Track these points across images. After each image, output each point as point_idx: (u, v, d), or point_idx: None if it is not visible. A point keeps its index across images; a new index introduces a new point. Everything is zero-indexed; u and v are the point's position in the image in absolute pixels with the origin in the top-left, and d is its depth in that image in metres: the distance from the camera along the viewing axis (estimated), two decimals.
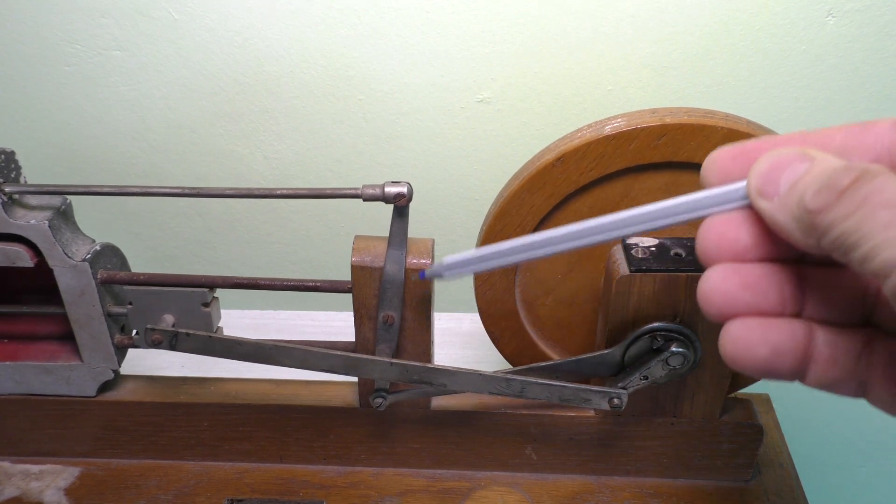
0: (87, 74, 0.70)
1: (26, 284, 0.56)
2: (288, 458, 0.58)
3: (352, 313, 0.51)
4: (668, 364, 0.49)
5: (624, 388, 0.50)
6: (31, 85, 0.71)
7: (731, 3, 0.64)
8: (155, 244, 0.81)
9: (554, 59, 0.68)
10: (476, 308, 0.55)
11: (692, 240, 0.49)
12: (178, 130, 0.73)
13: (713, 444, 0.55)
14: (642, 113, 0.48)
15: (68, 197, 0.52)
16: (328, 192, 0.47)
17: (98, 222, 0.78)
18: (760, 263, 0.29)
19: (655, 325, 0.49)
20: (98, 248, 0.52)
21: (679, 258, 0.48)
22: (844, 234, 0.25)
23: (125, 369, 0.57)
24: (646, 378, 0.49)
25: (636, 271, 0.47)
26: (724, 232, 0.30)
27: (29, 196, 0.51)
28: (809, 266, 0.30)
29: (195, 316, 0.52)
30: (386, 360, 0.49)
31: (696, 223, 0.31)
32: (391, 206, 0.47)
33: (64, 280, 0.51)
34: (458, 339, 0.75)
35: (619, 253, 0.49)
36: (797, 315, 0.30)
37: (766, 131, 0.49)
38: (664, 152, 0.48)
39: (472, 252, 0.34)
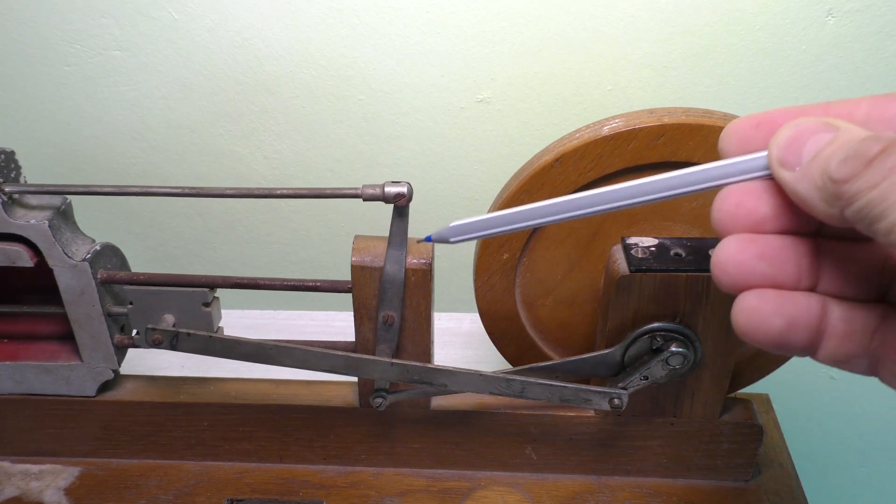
0: (87, 74, 0.70)
1: (26, 284, 0.56)
2: (288, 458, 0.58)
3: (352, 313, 0.51)
4: (667, 364, 0.49)
5: (624, 388, 0.50)
6: (31, 85, 0.71)
7: (731, 3, 0.64)
8: (155, 244, 0.81)
9: (554, 59, 0.68)
10: (476, 308, 0.55)
11: (692, 240, 0.49)
12: (178, 130, 0.73)
13: (713, 444, 0.55)
14: (640, 113, 0.48)
15: (68, 197, 0.52)
16: (328, 192, 0.47)
17: (98, 222, 0.78)
18: (777, 235, 0.29)
19: (655, 325, 0.49)
20: (98, 247, 0.52)
21: (679, 258, 0.48)
22: (870, 203, 0.25)
23: (125, 369, 0.57)
24: (646, 378, 0.49)
25: (636, 271, 0.47)
26: (742, 201, 0.29)
27: (29, 196, 0.51)
28: (826, 239, 0.30)
29: (196, 316, 0.52)
30: (387, 360, 0.49)
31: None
32: (391, 206, 0.47)
33: (64, 280, 0.51)
34: (458, 339, 0.75)
35: (619, 253, 0.49)
36: (812, 289, 0.29)
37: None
38: (663, 152, 0.48)
39: (479, 217, 0.34)
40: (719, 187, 0.30)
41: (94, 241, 0.52)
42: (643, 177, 0.50)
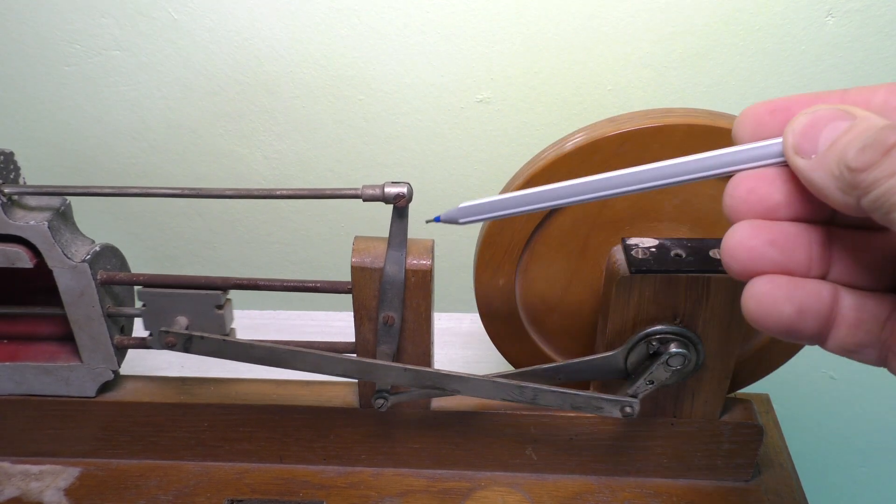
0: (87, 74, 0.70)
1: (26, 285, 0.56)
2: (288, 459, 0.58)
3: (352, 313, 0.51)
4: (668, 365, 0.49)
5: (634, 395, 0.50)
6: (31, 85, 0.71)
7: (731, 3, 0.64)
8: (155, 244, 0.81)
9: (554, 59, 0.68)
10: (476, 308, 0.55)
11: (692, 241, 0.49)
12: (178, 130, 0.73)
13: (713, 444, 0.55)
14: (601, 123, 0.48)
15: (68, 198, 0.52)
16: (328, 192, 0.47)
17: (98, 223, 0.78)
18: (789, 222, 0.29)
19: (658, 327, 0.49)
20: (97, 248, 0.52)
21: (679, 259, 0.47)
22: (888, 192, 0.24)
23: (125, 370, 0.57)
24: (651, 382, 0.49)
25: (636, 272, 0.47)
26: (755, 188, 0.29)
27: (28, 197, 0.51)
28: (839, 227, 0.29)
29: (208, 318, 0.52)
30: (400, 365, 0.49)
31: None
32: (391, 207, 0.47)
33: (63, 281, 0.51)
34: (458, 339, 0.75)
35: (619, 254, 0.49)
36: (822, 277, 0.29)
37: (731, 119, 0.48)
38: (629, 158, 0.48)
39: (490, 198, 0.34)
40: (732, 173, 0.30)
41: (93, 241, 0.52)
42: None
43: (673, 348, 0.49)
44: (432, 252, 0.49)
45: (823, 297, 0.28)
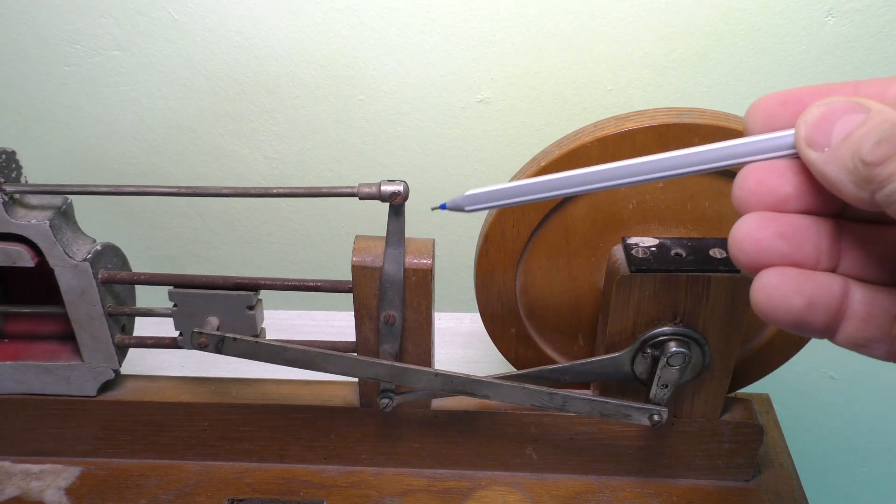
0: (87, 74, 0.70)
1: (27, 284, 0.56)
2: (288, 458, 0.58)
3: (352, 313, 0.51)
4: (669, 365, 0.49)
5: (657, 403, 0.50)
6: (31, 85, 0.71)
7: (731, 3, 0.64)
8: (155, 244, 0.81)
9: (554, 59, 0.68)
10: (476, 308, 0.55)
11: (692, 240, 0.49)
12: (178, 130, 0.73)
13: (713, 444, 0.55)
14: (574, 135, 0.49)
15: (69, 197, 0.52)
16: (324, 190, 0.47)
17: (99, 222, 0.78)
18: (798, 215, 0.28)
19: (664, 328, 0.49)
20: (99, 247, 0.52)
21: (679, 258, 0.48)
22: None
23: (125, 369, 0.57)
24: (665, 385, 0.49)
25: (637, 271, 0.47)
26: (764, 179, 0.29)
27: (30, 196, 0.51)
28: (849, 221, 0.29)
29: (240, 319, 0.51)
30: (431, 370, 0.50)
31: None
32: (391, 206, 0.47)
33: (65, 280, 0.51)
34: (459, 339, 0.75)
35: (619, 253, 0.49)
36: (831, 271, 0.29)
37: (699, 115, 0.48)
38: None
39: (496, 186, 0.33)
40: (742, 164, 0.29)
41: (94, 241, 0.52)
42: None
43: (673, 348, 0.49)
44: (433, 251, 0.49)
45: (834, 290, 0.28)
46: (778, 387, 0.65)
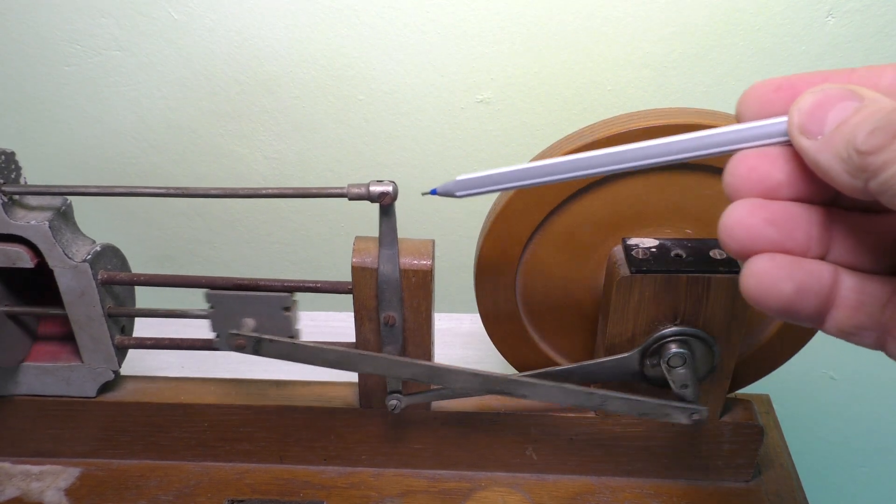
0: (87, 74, 0.70)
1: (26, 285, 0.56)
2: (288, 459, 0.58)
3: (352, 313, 0.51)
4: (670, 366, 0.49)
5: (691, 401, 0.50)
6: (31, 85, 0.71)
7: (731, 3, 0.64)
8: (155, 244, 0.81)
9: (554, 58, 0.68)
10: (476, 308, 0.55)
11: (693, 241, 0.49)
12: (178, 130, 0.73)
13: (713, 444, 0.55)
14: (568, 138, 0.49)
15: (69, 197, 0.52)
16: (314, 191, 0.47)
17: (98, 223, 0.78)
18: (789, 202, 0.28)
19: (674, 328, 0.49)
20: (98, 248, 0.52)
21: (679, 259, 0.48)
22: None
23: (125, 370, 0.57)
24: (685, 386, 0.49)
25: (637, 272, 0.47)
26: (756, 166, 0.28)
27: (29, 197, 0.51)
28: (839, 209, 0.29)
29: (276, 320, 0.51)
30: (469, 370, 0.50)
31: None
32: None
33: (64, 281, 0.51)
34: (459, 339, 0.75)
35: (619, 254, 0.49)
36: (821, 258, 0.29)
37: (681, 114, 0.48)
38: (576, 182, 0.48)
39: (487, 171, 0.33)
40: (734, 151, 0.29)
41: (94, 241, 0.52)
42: (589, 196, 0.50)
43: (674, 348, 0.49)
44: (432, 252, 0.49)
45: (824, 277, 0.28)
46: (778, 387, 0.65)
